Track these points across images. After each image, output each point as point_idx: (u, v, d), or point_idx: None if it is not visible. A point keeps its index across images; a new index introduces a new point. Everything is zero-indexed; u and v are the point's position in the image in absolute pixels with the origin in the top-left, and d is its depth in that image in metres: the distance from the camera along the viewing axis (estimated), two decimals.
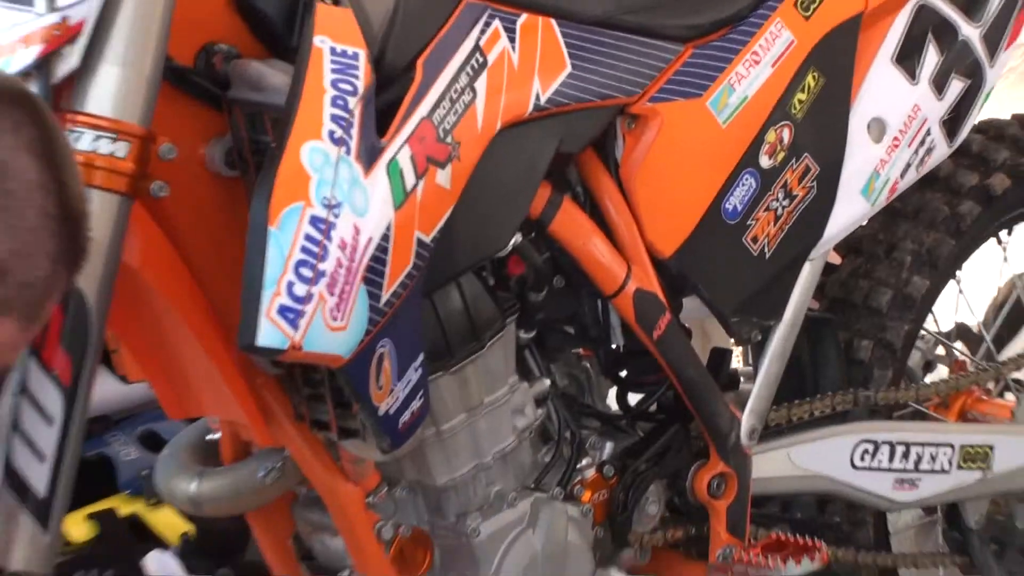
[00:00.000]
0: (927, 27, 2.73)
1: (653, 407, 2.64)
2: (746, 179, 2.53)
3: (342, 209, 1.99)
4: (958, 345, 2.95)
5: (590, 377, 2.60)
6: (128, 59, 1.98)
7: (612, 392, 2.74)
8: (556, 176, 2.37)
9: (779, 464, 2.66)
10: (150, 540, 3.52)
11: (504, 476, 2.40)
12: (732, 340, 2.79)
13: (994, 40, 2.80)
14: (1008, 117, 2.96)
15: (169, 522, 3.52)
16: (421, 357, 2.16)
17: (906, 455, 2.74)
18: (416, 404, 2.16)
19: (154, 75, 2.00)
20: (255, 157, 2.08)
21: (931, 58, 2.73)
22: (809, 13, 2.60)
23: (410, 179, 2.08)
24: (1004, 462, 2.81)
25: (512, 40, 2.25)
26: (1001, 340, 3.08)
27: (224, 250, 2.11)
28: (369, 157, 2.03)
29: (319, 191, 1.97)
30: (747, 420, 2.62)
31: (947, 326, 2.97)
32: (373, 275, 2.03)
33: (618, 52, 2.39)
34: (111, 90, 1.98)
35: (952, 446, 2.77)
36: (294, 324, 1.96)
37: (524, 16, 2.27)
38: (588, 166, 2.44)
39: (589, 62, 2.34)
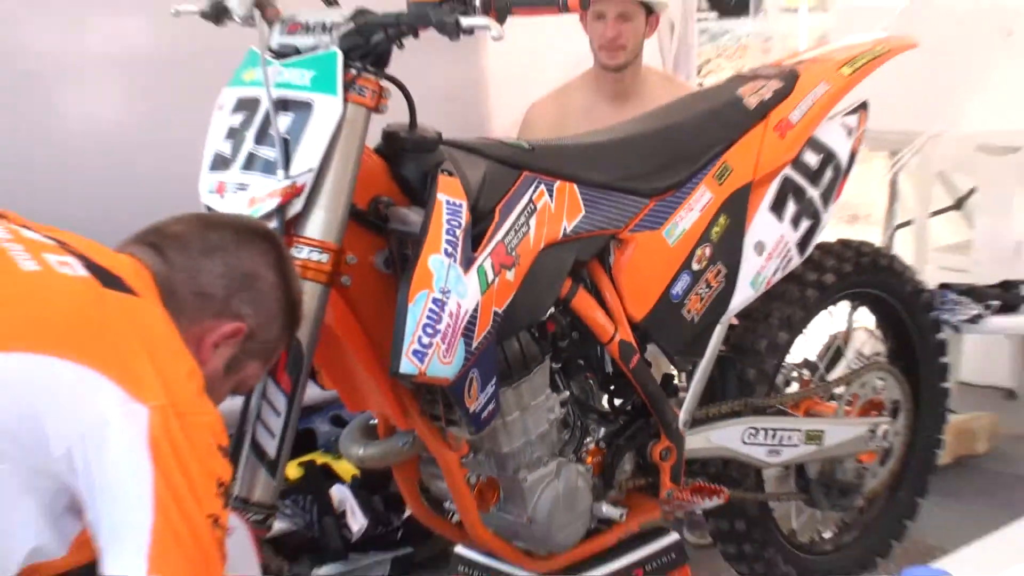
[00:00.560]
0: (788, 190, 2.74)
1: (628, 407, 2.66)
2: (684, 277, 2.58)
3: (451, 294, 2.10)
4: (804, 372, 3.00)
5: (592, 389, 2.59)
6: (329, 206, 2.07)
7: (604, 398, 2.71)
8: (574, 273, 2.42)
9: (701, 441, 2.69)
10: (334, 479, 3.55)
11: (541, 447, 2.41)
12: (675, 368, 2.79)
13: (827, 197, 2.81)
14: (834, 240, 3.01)
15: (346, 469, 3.52)
16: (495, 379, 2.23)
17: (774, 436, 2.76)
18: (491, 407, 2.23)
19: (344, 215, 2.09)
20: (401, 263, 2.16)
21: (791, 207, 2.74)
22: (721, 182, 2.62)
23: (490, 276, 2.17)
24: (830, 440, 2.81)
25: (551, 195, 2.32)
26: (828, 369, 3.10)
27: (382, 316, 2.13)
28: (467, 264, 2.12)
29: (437, 283, 2.08)
30: (683, 415, 2.64)
31: (799, 359, 3.01)
32: (468, 332, 2.13)
33: (612, 203, 2.45)
34: (319, 224, 2.06)
35: (800, 430, 2.80)
36: (421, 360, 2.08)
37: (557, 182, 2.34)
38: (593, 268, 2.48)
39: (596, 209, 2.41)
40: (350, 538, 3.56)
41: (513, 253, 2.24)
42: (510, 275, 2.22)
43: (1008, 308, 4.07)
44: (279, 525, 2.74)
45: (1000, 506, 3.94)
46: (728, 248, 2.65)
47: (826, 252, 2.92)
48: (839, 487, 3.00)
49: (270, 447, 2.07)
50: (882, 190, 4.89)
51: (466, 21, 2.03)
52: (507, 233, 2.24)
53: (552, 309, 2.42)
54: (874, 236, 4.56)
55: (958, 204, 5.10)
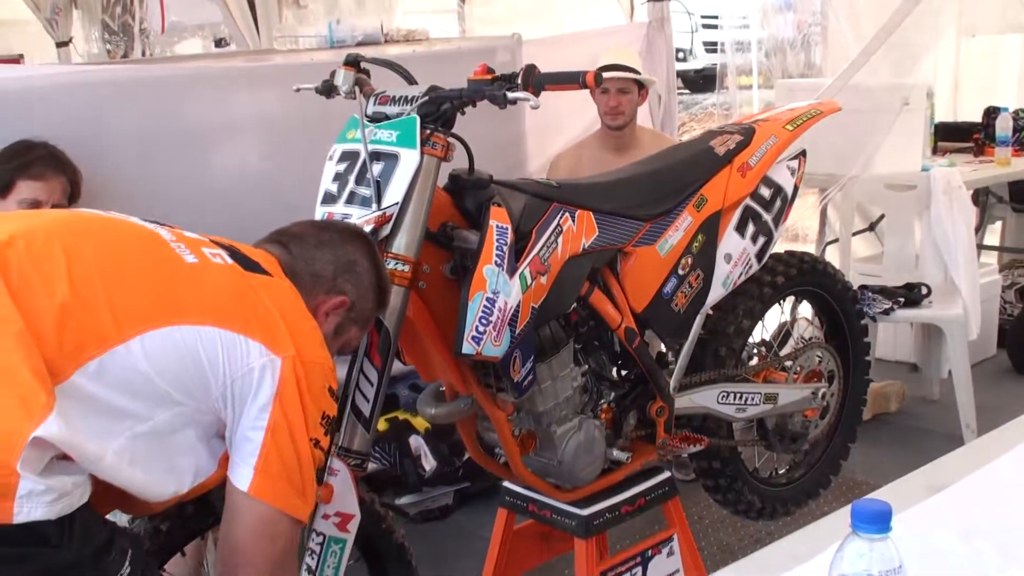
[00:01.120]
0: (749, 215, 2.70)
1: (631, 376, 2.61)
2: (672, 279, 2.55)
3: (500, 294, 2.09)
4: (762, 349, 2.96)
5: (605, 363, 2.55)
6: (409, 229, 2.07)
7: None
8: (591, 277, 2.39)
9: (686, 402, 2.65)
10: (412, 430, 3.58)
11: (567, 407, 2.38)
12: (666, 347, 2.77)
13: (777, 220, 2.77)
14: (783, 251, 3.00)
15: (421, 423, 3.56)
16: (532, 356, 2.22)
17: (740, 397, 2.74)
18: (530, 377, 2.22)
19: (421, 236, 2.09)
20: (462, 272, 2.14)
21: (750, 227, 2.70)
22: (699, 209, 2.59)
23: (529, 280, 2.17)
24: (783, 400, 2.76)
25: (573, 220, 2.30)
26: (780, 347, 3.07)
27: (448, 311, 2.13)
28: (511, 272, 2.12)
29: (490, 286, 2.08)
30: (673, 382, 2.62)
31: (758, 340, 2.98)
32: (512, 322, 2.12)
33: (619, 225, 2.43)
34: (402, 243, 2.07)
35: (760, 393, 2.77)
36: (478, 343, 2.08)
37: (578, 211, 2.32)
38: (605, 273, 2.45)
39: (607, 230, 2.39)
40: (424, 475, 3.58)
41: (546, 263, 2.22)
42: (544, 279, 2.21)
43: (910, 303, 4.05)
44: (370, 466, 2.72)
45: (908, 451, 3.94)
46: (705, 258, 2.62)
47: (777, 260, 2.89)
48: (790, 435, 2.98)
49: (365, 409, 2.09)
50: (814, 217, 4.87)
51: (511, 95, 2.04)
52: (541, 248, 2.22)
53: (574, 304, 2.39)
54: (809, 251, 4.53)
55: (871, 227, 5.09)
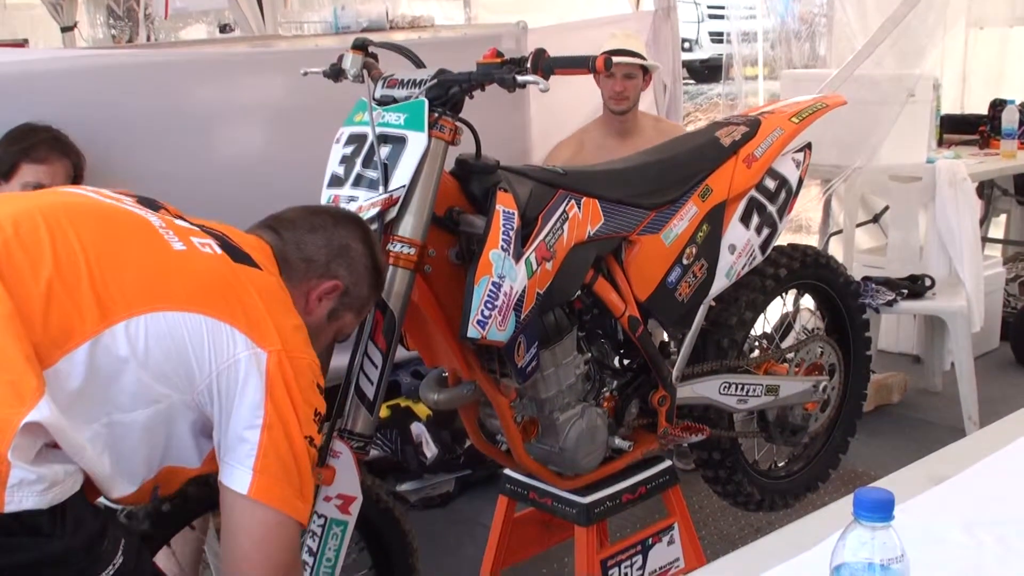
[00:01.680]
0: (753, 206, 2.69)
1: (634, 365, 2.60)
2: (676, 269, 2.54)
3: (506, 279, 2.09)
4: (764, 341, 2.97)
5: (608, 352, 2.55)
6: (416, 213, 2.06)
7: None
8: (596, 265, 2.39)
9: (688, 392, 2.65)
10: (414, 417, 3.57)
11: (570, 394, 2.38)
12: (669, 337, 2.78)
13: (782, 211, 2.75)
14: (786, 244, 3.00)
15: (422, 410, 3.55)
16: (536, 342, 2.21)
17: (742, 388, 2.73)
18: (533, 363, 2.22)
19: (428, 220, 2.09)
20: (468, 256, 2.14)
21: (755, 219, 2.69)
22: (704, 199, 2.58)
23: (534, 266, 2.16)
24: (784, 392, 2.76)
25: (579, 208, 2.30)
26: (781, 340, 3.08)
27: (453, 295, 2.13)
28: (517, 257, 2.11)
29: (496, 271, 2.07)
30: (675, 372, 2.61)
31: (760, 332, 2.98)
32: (517, 307, 2.11)
33: (624, 213, 2.42)
34: (409, 226, 2.06)
35: (762, 385, 2.76)
36: (483, 327, 2.07)
37: (584, 198, 2.32)
38: (609, 261, 2.45)
39: (612, 217, 2.38)
40: (425, 462, 3.59)
41: (551, 249, 2.22)
42: (549, 265, 2.21)
43: (914, 295, 4.06)
44: (372, 452, 2.72)
45: (909, 442, 3.94)
46: (709, 248, 2.62)
47: (781, 253, 2.89)
48: (790, 428, 2.98)
49: (369, 391, 2.08)
50: (818, 208, 4.87)
51: (521, 78, 2.03)
52: (547, 235, 2.22)
53: (579, 291, 2.39)
54: (813, 242, 4.55)
55: (875, 219, 5.08)
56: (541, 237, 2.20)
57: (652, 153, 2.73)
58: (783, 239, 2.93)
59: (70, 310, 1.44)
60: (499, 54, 2.11)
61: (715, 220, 2.63)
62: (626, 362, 2.63)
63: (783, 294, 3.01)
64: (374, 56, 2.25)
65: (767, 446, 3.16)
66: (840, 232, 4.71)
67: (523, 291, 2.12)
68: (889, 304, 3.97)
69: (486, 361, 2.26)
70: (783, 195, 2.79)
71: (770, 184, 2.76)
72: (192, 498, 1.89)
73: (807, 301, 3.26)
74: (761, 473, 3.06)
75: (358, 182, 2.08)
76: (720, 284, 2.67)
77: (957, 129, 5.30)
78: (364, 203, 2.05)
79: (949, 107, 5.53)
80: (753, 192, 2.72)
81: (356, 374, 2.07)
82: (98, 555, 1.45)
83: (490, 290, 2.06)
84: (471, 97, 2.13)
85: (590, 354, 2.49)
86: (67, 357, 1.42)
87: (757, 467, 3.08)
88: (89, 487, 1.49)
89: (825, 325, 3.16)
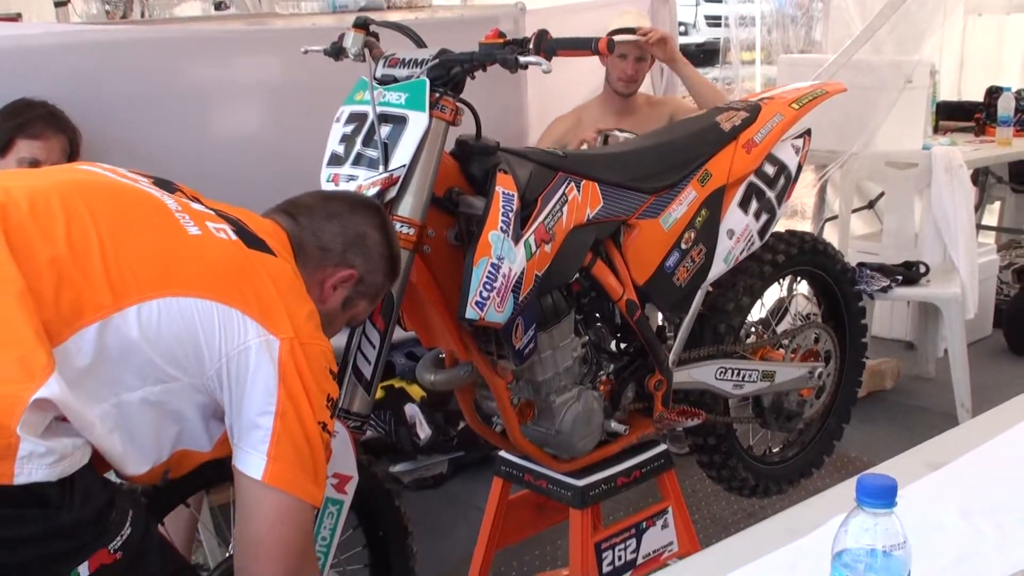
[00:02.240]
0: (752, 192, 2.69)
1: (631, 349, 2.61)
2: (675, 253, 2.54)
3: (504, 261, 2.08)
4: (760, 327, 2.97)
5: (605, 335, 2.55)
6: (416, 193, 2.06)
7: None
8: (594, 248, 2.39)
9: (684, 376, 2.65)
10: (407, 399, 3.58)
11: (566, 377, 2.38)
12: (666, 322, 2.77)
13: (780, 197, 2.76)
14: (783, 230, 3.00)
15: (416, 391, 3.56)
16: (535, 324, 2.22)
17: (738, 374, 2.74)
18: (531, 345, 2.22)
19: (427, 200, 2.08)
20: (467, 237, 2.14)
21: (753, 204, 2.69)
22: (703, 184, 2.58)
23: (533, 248, 2.16)
24: (780, 378, 2.77)
25: (578, 190, 2.29)
26: (777, 325, 3.08)
27: (452, 276, 2.13)
28: (516, 238, 2.11)
29: (495, 252, 2.07)
30: (672, 356, 2.62)
31: (756, 318, 2.99)
32: (516, 289, 2.11)
33: (623, 197, 2.42)
34: (408, 206, 2.06)
35: (758, 370, 2.77)
36: (482, 309, 2.07)
37: (584, 181, 2.31)
38: (608, 244, 2.44)
39: (611, 201, 2.38)
40: (418, 443, 3.60)
41: (551, 232, 2.21)
42: (548, 248, 2.21)
43: (908, 281, 4.07)
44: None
45: (902, 428, 3.97)
46: (707, 233, 2.62)
47: (778, 239, 2.89)
48: (785, 414, 2.99)
49: (367, 371, 2.08)
50: (812, 194, 4.87)
51: (523, 59, 2.03)
52: (546, 217, 2.21)
53: (577, 274, 2.38)
54: (807, 228, 4.56)
55: (870, 204, 5.09)
56: (540, 219, 2.19)
57: (653, 137, 2.72)
58: (779, 225, 2.93)
59: (82, 289, 1.44)
60: (501, 34, 2.10)
61: (714, 205, 2.62)
62: (623, 346, 2.63)
63: (780, 280, 3.01)
64: (375, 35, 2.23)
65: (762, 432, 3.17)
66: (835, 218, 4.72)
67: (522, 273, 2.12)
68: (884, 290, 3.99)
69: (483, 342, 2.25)
70: (782, 181, 2.78)
71: (769, 170, 2.75)
72: (187, 477, 1.89)
73: (801, 287, 3.27)
74: (756, 458, 3.07)
75: (358, 161, 2.07)
76: (718, 269, 2.67)
77: (953, 116, 5.31)
78: (364, 182, 2.04)
79: (946, 94, 5.54)
80: (752, 178, 2.71)
81: (354, 354, 2.07)
82: (106, 526, 1.45)
83: (489, 271, 2.05)
84: (472, 78, 2.12)
85: (587, 337, 2.48)
86: (76, 335, 1.42)
87: (752, 452, 3.08)
88: (97, 460, 1.50)
89: (821, 312, 3.16)
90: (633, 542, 2.55)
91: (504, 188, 2.10)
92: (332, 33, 2.26)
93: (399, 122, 2.05)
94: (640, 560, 2.56)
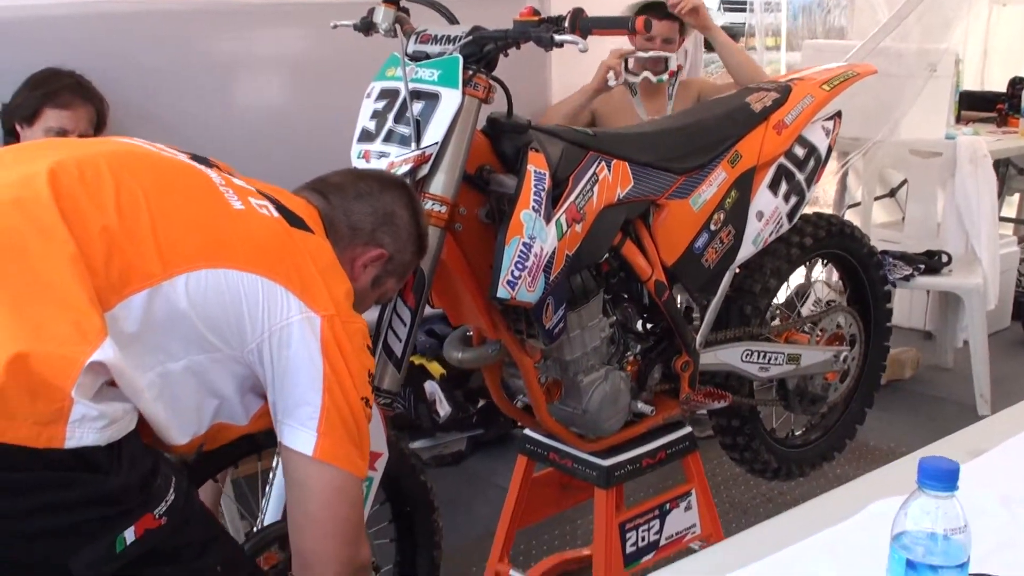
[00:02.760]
0: (782, 174, 2.66)
1: (658, 330, 2.57)
2: (704, 235, 2.52)
3: (536, 240, 2.06)
4: (786, 310, 2.95)
5: (632, 315, 2.53)
6: (448, 170, 2.02)
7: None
8: (624, 228, 2.36)
9: (711, 358, 2.63)
10: (428, 376, 3.57)
11: (595, 357, 2.36)
12: (694, 303, 2.70)
13: (810, 180, 2.72)
14: (811, 213, 2.97)
15: (436, 368, 3.55)
16: (564, 304, 2.20)
17: (764, 356, 2.71)
18: (560, 325, 2.19)
19: (459, 178, 2.05)
20: (498, 216, 2.11)
21: (783, 186, 2.66)
22: (733, 165, 2.55)
23: (564, 228, 2.13)
24: (805, 361, 2.76)
25: (609, 170, 2.26)
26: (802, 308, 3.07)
27: (482, 255, 2.11)
28: (548, 218, 2.09)
29: (527, 231, 2.05)
30: (699, 338, 2.59)
31: (783, 300, 2.97)
32: (547, 268, 2.09)
33: (653, 177, 2.39)
34: (440, 183, 2.02)
35: (784, 353, 2.74)
36: (513, 288, 2.05)
37: (614, 160, 2.28)
38: (637, 224, 2.41)
39: (641, 181, 2.35)
40: (438, 420, 3.59)
41: (581, 211, 2.19)
42: (578, 227, 2.18)
43: (930, 270, 4.05)
44: None
45: (922, 418, 3.95)
46: (737, 215, 2.58)
47: (806, 221, 2.86)
48: (810, 397, 2.96)
49: (397, 348, 2.05)
50: (832, 182, 4.83)
51: (558, 37, 1.99)
52: (577, 196, 2.18)
53: (607, 254, 2.36)
54: None
55: (892, 193, 5.06)
56: (571, 199, 2.17)
57: (683, 117, 2.69)
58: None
59: (131, 256, 1.44)
60: (536, 12, 2.06)
61: (744, 186, 2.59)
62: (650, 326, 2.61)
63: (807, 263, 2.97)
64: (406, 11, 2.20)
65: (785, 415, 3.15)
66: (857, 205, 4.69)
67: (553, 252, 2.09)
68: (906, 279, 3.96)
69: (512, 321, 2.23)
70: (812, 163, 2.74)
71: (799, 152, 2.72)
72: (217, 452, 1.88)
73: (820, 271, 3.22)
74: (778, 441, 3.05)
75: (389, 138, 2.04)
76: (747, 251, 2.64)
77: (975, 106, 5.27)
78: (396, 159, 2.01)
79: (969, 83, 5.49)
80: (782, 159, 2.67)
81: (385, 331, 2.05)
82: (151, 492, 1.45)
83: (520, 251, 2.03)
84: (506, 55, 2.08)
85: (615, 317, 2.46)
86: (124, 303, 1.42)
87: (775, 435, 3.06)
88: (142, 427, 1.49)
89: (847, 296, 3.13)
90: (657, 523, 2.54)
91: (536, 167, 2.07)
92: (362, 8, 2.22)
93: (431, 99, 2.02)
94: (663, 541, 2.55)
